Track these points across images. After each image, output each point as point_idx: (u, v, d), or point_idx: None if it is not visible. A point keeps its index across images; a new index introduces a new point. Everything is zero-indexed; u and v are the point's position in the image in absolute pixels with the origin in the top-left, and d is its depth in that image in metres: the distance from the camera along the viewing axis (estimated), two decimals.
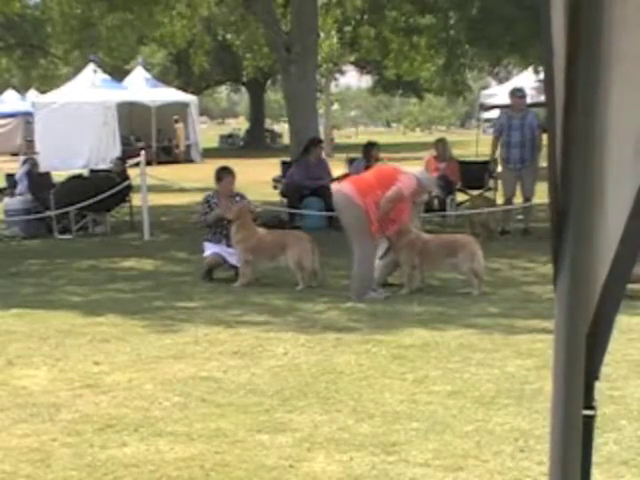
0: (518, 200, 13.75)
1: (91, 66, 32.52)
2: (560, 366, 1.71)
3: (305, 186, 14.64)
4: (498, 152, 13.72)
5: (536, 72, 22.77)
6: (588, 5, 1.47)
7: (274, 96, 73.22)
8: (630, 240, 1.61)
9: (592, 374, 1.74)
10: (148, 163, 15.50)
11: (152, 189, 15.96)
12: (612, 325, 1.73)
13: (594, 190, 1.60)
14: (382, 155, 15.39)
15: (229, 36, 25.19)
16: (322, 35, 22.65)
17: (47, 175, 16.15)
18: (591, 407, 1.75)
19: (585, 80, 1.51)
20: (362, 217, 8.83)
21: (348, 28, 23.33)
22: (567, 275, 1.66)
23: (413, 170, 9.71)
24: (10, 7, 21.37)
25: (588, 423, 1.74)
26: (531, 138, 13.11)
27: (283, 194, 15.43)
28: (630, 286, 7.68)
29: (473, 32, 16.39)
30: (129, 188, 15.10)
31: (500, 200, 14.20)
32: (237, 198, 10.36)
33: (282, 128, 56.57)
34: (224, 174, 10.51)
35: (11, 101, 42.85)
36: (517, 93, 13.72)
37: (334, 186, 9.52)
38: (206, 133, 52.01)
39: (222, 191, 10.37)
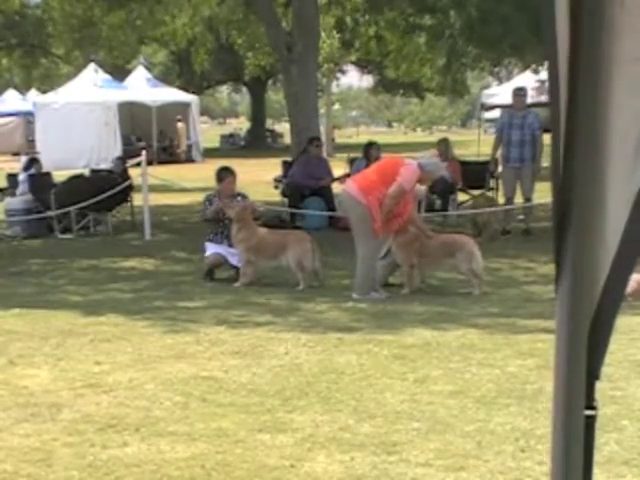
0: (519, 200, 13.77)
1: (92, 66, 32.54)
2: (561, 366, 1.71)
3: (306, 186, 14.65)
4: (499, 151, 13.74)
5: (536, 72, 22.73)
6: (588, 6, 1.47)
7: (275, 96, 73.20)
8: (631, 241, 1.61)
9: (593, 374, 1.74)
10: (149, 163, 15.50)
11: (153, 189, 15.97)
12: (613, 325, 1.73)
13: (596, 190, 1.60)
14: (383, 155, 15.40)
15: (231, 35, 25.14)
16: (323, 35, 22.65)
17: (48, 175, 16.15)
18: (592, 407, 1.75)
19: (587, 80, 1.51)
20: (366, 216, 8.83)
21: (348, 28, 23.34)
22: (569, 275, 1.66)
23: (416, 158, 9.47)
24: (9, 5, 21.38)
25: (589, 423, 1.74)
26: (531, 138, 13.13)
27: (284, 194, 15.44)
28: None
29: (473, 32, 16.38)
30: (130, 188, 15.10)
31: (501, 200, 14.21)
32: (239, 198, 10.36)
33: (283, 128, 56.55)
34: (225, 174, 10.51)
35: (12, 101, 42.89)
36: (519, 92, 13.76)
37: (340, 186, 9.50)
38: (207, 133, 52.03)
39: (223, 191, 10.37)
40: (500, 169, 14.16)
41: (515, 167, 13.24)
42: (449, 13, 17.25)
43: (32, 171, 15.75)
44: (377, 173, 9.11)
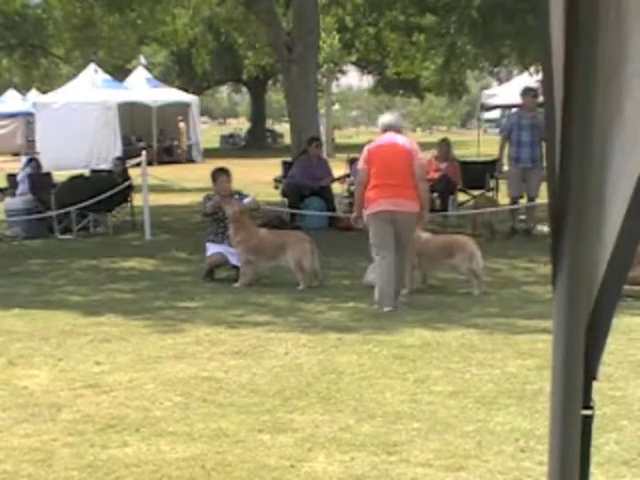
0: (520, 200, 13.76)
1: (92, 66, 32.54)
2: (559, 366, 1.71)
3: (306, 186, 14.66)
4: (505, 151, 13.70)
5: (536, 72, 22.72)
6: (585, 8, 1.47)
7: (275, 96, 73.20)
8: (627, 240, 1.62)
9: (590, 374, 1.74)
10: (149, 163, 15.50)
11: (153, 189, 15.98)
12: (610, 324, 1.73)
13: (592, 190, 1.60)
14: None
15: (231, 35, 25.18)
16: (323, 35, 22.67)
17: (48, 175, 16.16)
18: (589, 407, 1.75)
19: (583, 81, 1.51)
20: (416, 219, 8.82)
21: (348, 27, 23.39)
22: (566, 275, 1.66)
23: (396, 135, 8.90)
24: (10, 6, 21.39)
25: (586, 423, 1.74)
26: (540, 138, 13.10)
27: (284, 194, 15.44)
28: (629, 287, 7.68)
29: (474, 29, 16.37)
30: (130, 188, 15.10)
31: (506, 200, 14.18)
32: (236, 196, 10.38)
33: (283, 128, 56.55)
34: (219, 174, 10.54)
35: (12, 101, 42.87)
36: (529, 92, 13.64)
37: (392, 206, 8.69)
38: (207, 133, 52.03)
39: (219, 191, 10.38)
40: (505, 168, 14.11)
41: (526, 167, 13.15)
42: (449, 13, 17.24)
43: (28, 170, 15.74)
44: (401, 175, 8.61)
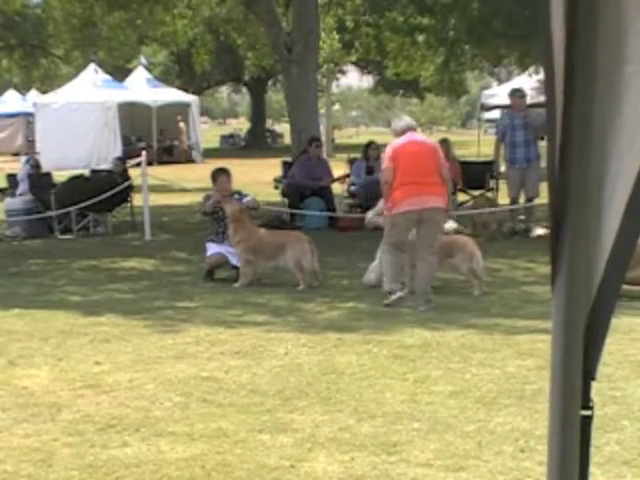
0: (520, 200, 13.76)
1: (92, 66, 32.55)
2: (558, 366, 1.71)
3: (306, 186, 14.66)
4: (501, 153, 13.71)
5: (536, 73, 22.74)
6: (584, 7, 1.47)
7: (275, 96, 73.22)
8: (625, 239, 1.62)
9: (589, 374, 1.74)
10: (149, 163, 15.50)
11: (153, 189, 15.98)
12: (609, 324, 1.73)
13: (591, 190, 1.60)
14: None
15: (231, 35, 25.15)
16: (323, 35, 22.67)
17: (48, 175, 16.16)
18: (588, 407, 1.75)
19: (582, 81, 1.51)
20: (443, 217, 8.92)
21: (348, 27, 23.39)
22: (564, 275, 1.66)
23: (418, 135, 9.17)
24: (10, 6, 21.40)
25: (585, 423, 1.74)
26: (535, 137, 13.10)
27: (284, 194, 15.45)
28: (628, 287, 7.68)
29: (473, 29, 16.37)
30: (130, 188, 15.10)
31: (502, 200, 14.18)
32: (236, 196, 10.39)
33: (283, 128, 56.55)
34: (218, 174, 10.55)
35: (12, 101, 42.87)
36: (516, 94, 13.72)
37: (418, 205, 8.54)
38: (207, 133, 52.02)
39: (219, 190, 10.39)
40: (503, 169, 14.11)
41: (522, 168, 13.16)
42: (449, 14, 17.23)
43: (27, 168, 15.75)
44: (429, 172, 8.67)
